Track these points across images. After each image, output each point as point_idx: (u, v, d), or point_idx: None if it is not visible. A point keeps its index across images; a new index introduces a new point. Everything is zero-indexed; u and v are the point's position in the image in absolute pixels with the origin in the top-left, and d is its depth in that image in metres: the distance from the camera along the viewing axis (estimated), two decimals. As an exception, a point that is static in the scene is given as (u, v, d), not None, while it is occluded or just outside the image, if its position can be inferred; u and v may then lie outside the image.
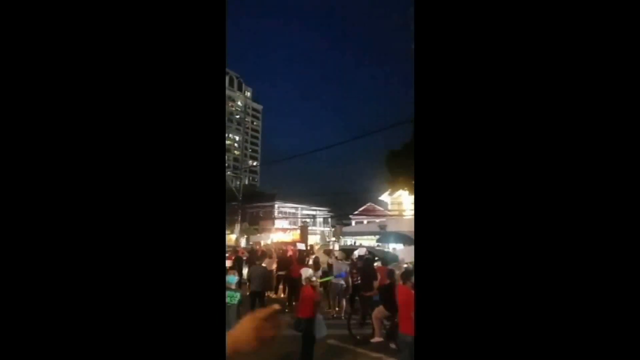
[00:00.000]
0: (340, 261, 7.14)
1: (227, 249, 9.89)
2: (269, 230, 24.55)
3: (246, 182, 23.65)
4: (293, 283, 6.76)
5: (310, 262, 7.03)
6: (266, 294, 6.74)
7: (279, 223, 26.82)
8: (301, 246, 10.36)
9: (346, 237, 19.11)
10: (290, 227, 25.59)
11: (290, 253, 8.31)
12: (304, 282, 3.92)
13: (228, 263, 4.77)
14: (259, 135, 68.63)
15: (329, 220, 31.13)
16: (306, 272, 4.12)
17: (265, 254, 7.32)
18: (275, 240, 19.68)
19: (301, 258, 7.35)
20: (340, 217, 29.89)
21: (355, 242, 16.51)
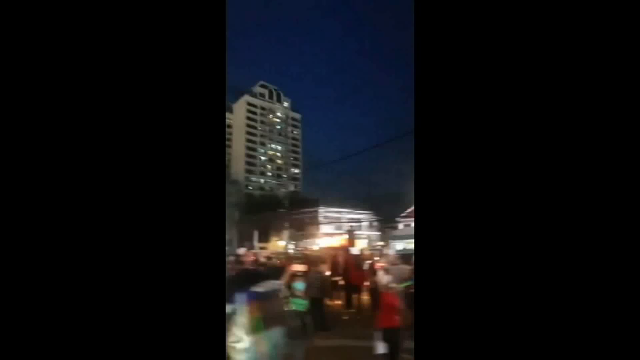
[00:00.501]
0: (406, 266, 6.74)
1: (277, 256, 9.93)
2: (315, 236, 24.67)
3: (292, 189, 24.10)
4: (351, 289, 6.56)
5: (366, 267, 6.76)
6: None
7: (324, 228, 26.83)
8: (354, 251, 10.09)
9: (396, 240, 18.33)
10: (336, 232, 25.44)
11: (339, 258, 8.06)
12: (382, 289, 3.61)
13: (298, 267, 4.69)
14: (299, 144, 70.29)
15: (374, 224, 30.32)
16: (383, 277, 3.83)
17: (320, 259, 7.22)
18: (322, 245, 19.67)
19: (357, 263, 7.12)
20: (386, 221, 28.96)
21: (407, 246, 15.73)
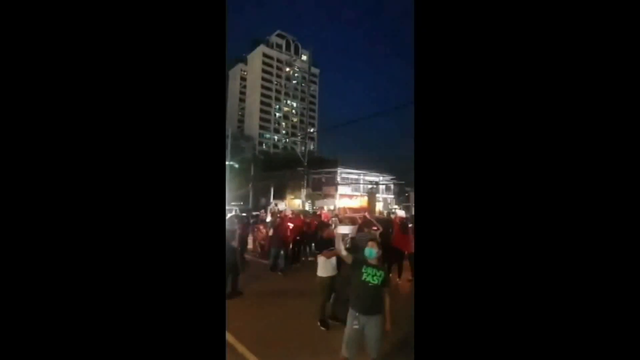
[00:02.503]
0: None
1: (295, 214, 9.32)
2: (333, 196, 24.18)
3: (309, 148, 23.10)
4: (397, 255, 5.77)
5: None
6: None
7: (342, 190, 26.24)
8: (400, 213, 9.26)
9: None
10: (355, 194, 24.83)
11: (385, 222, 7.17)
12: None
13: (346, 230, 3.83)
14: (316, 101, 67.21)
15: (392, 187, 29.54)
16: None
17: (371, 222, 6.34)
18: (341, 206, 19.12)
19: (404, 227, 6.22)
20: (404, 185, 28.05)
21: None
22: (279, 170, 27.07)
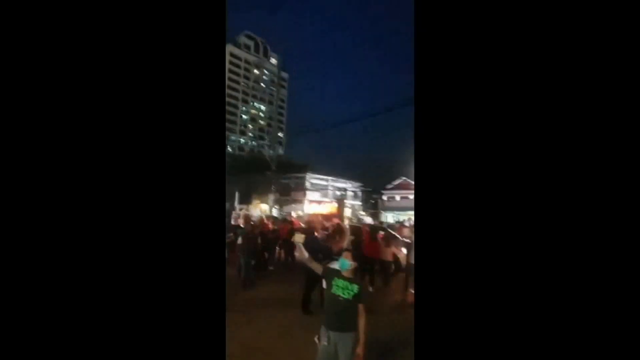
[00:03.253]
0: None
1: (260, 219, 9.02)
2: (301, 202, 23.97)
3: (277, 152, 22.76)
4: (372, 265, 5.77)
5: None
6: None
7: (310, 195, 26.16)
8: (367, 220, 9.35)
9: (387, 212, 18.17)
10: (324, 200, 24.87)
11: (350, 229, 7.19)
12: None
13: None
14: (285, 105, 66.70)
15: (359, 194, 30.18)
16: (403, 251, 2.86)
17: (342, 230, 6.28)
18: (309, 212, 19.01)
19: (373, 235, 6.28)
20: (372, 192, 28.75)
21: (400, 219, 15.53)
22: (245, 174, 26.24)
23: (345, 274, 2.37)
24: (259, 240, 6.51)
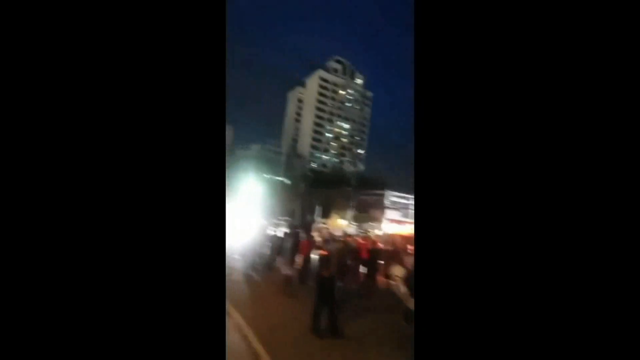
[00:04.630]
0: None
1: (337, 237, 8.18)
2: (379, 220, 23.37)
3: (357, 168, 22.95)
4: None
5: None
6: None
7: (389, 214, 25.30)
8: None
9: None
10: (404, 220, 23.68)
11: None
12: None
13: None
14: (367, 124, 67.53)
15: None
16: None
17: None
18: (389, 232, 18.31)
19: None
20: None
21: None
22: (327, 189, 27.37)
23: None
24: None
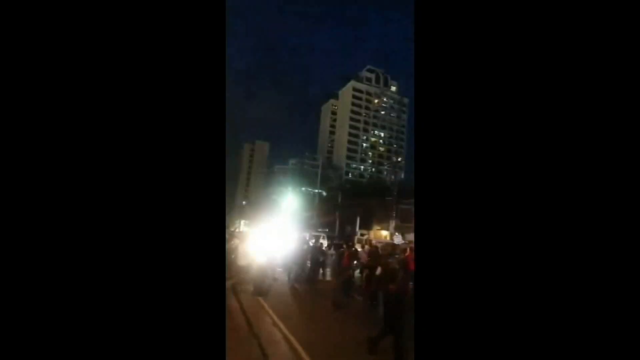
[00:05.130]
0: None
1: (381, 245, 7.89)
2: (423, 230, 22.15)
3: (397, 177, 22.29)
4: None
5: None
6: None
7: (433, 223, 23.87)
8: None
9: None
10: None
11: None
12: None
13: None
14: (405, 130, 65.69)
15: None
16: None
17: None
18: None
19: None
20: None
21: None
22: (366, 199, 26.90)
23: None
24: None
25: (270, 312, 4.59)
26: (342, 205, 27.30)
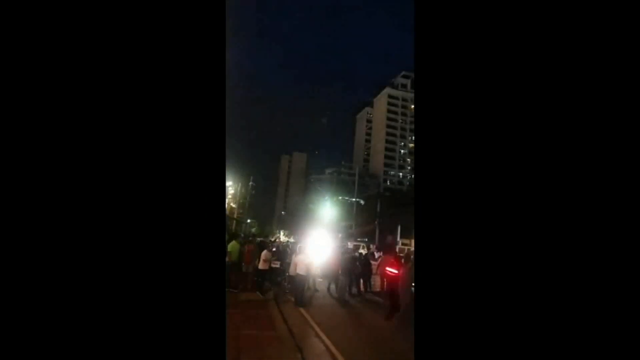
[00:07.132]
0: None
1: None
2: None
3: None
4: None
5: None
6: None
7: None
8: None
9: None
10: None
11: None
12: None
13: None
14: (445, 134, 62.36)
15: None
16: None
17: None
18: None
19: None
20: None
21: None
22: (407, 207, 25.88)
23: None
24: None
25: (312, 322, 4.56)
26: (381, 213, 26.57)
